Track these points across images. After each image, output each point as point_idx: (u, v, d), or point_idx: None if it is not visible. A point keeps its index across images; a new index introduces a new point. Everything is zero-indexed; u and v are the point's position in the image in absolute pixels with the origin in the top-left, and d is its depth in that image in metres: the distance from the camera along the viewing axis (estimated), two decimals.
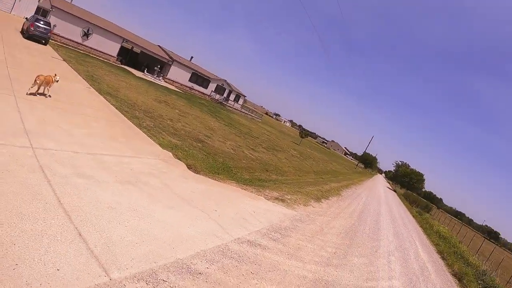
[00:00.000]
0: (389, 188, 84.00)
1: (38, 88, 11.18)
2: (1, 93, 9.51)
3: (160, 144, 12.01)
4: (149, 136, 12.42)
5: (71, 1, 46.38)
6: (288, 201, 12.43)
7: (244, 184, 12.21)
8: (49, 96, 11.58)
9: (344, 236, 11.52)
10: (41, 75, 11.12)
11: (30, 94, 10.68)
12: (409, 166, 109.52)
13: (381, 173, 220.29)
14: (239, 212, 8.43)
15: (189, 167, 11.07)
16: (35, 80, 10.87)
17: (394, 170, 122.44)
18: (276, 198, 11.99)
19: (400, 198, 61.31)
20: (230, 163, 15.30)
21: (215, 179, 11.12)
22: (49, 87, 11.70)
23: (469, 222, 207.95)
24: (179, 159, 11.38)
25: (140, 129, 12.94)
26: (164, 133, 14.30)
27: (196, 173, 10.81)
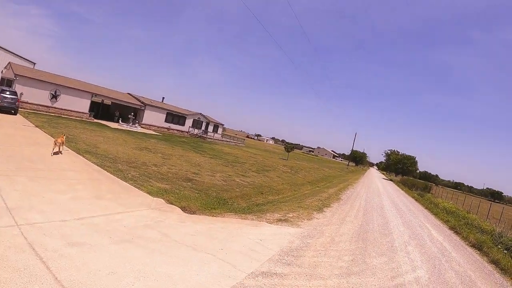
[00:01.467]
0: (384, 178, 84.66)
1: (59, 148, 14.82)
2: None
3: (149, 193, 11.70)
4: (136, 187, 12.10)
5: (34, 67, 46.21)
6: (291, 219, 12.20)
7: (243, 213, 11.98)
8: (61, 153, 14.84)
9: (356, 240, 11.31)
10: (58, 139, 14.93)
11: (54, 154, 14.26)
12: (398, 152, 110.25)
13: (373, 166, 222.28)
14: (245, 244, 8.15)
15: (184, 209, 10.80)
16: (55, 143, 14.60)
17: (385, 160, 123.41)
18: (279, 220, 11.74)
19: (398, 185, 61.86)
20: (224, 195, 15.08)
21: (212, 215, 10.87)
22: (63, 146, 15.45)
23: (470, 190, 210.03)
24: (171, 203, 11.10)
25: (126, 181, 12.61)
26: (151, 180, 14.01)
27: (192, 214, 10.55)
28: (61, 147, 15.06)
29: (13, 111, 25.93)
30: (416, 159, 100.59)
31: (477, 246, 15.32)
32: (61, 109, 36.50)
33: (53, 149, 14.41)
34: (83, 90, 38.93)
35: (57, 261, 5.23)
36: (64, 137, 15.92)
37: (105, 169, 13.76)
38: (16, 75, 32.56)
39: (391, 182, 72.43)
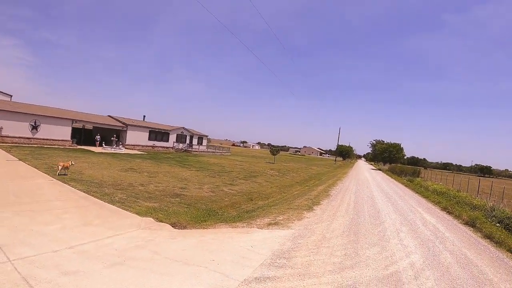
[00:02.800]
0: (373, 169, 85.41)
1: (62, 170, 17.81)
2: None
3: (138, 213, 11.84)
4: (124, 209, 12.22)
5: (10, 99, 45.84)
6: (282, 222, 12.42)
7: (233, 222, 12.16)
8: (66, 175, 17.68)
9: (347, 234, 11.55)
10: (61, 162, 18.40)
11: (59, 174, 17.38)
12: (383, 141, 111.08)
13: (360, 158, 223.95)
14: (237, 252, 8.34)
15: (174, 225, 10.96)
16: (58, 166, 17.90)
17: (371, 150, 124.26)
18: (269, 224, 11.96)
19: (387, 174, 62.51)
20: (213, 206, 15.26)
21: (203, 228, 11.05)
22: (68, 169, 18.46)
23: (459, 168, 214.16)
24: (161, 221, 11.25)
25: (114, 204, 12.72)
26: (139, 200, 14.13)
27: (183, 229, 10.73)
28: (66, 171, 18.19)
29: None
30: (402, 145, 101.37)
31: (470, 223, 15.77)
32: (43, 139, 36.30)
33: (58, 172, 17.56)
34: (62, 118, 38.76)
35: None
36: (72, 162, 19.15)
37: (92, 195, 13.83)
38: None
39: (380, 171, 73.13)
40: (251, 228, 11.34)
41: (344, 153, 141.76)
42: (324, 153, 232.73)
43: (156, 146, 52.69)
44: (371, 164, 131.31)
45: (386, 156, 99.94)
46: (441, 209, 20.35)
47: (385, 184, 36.92)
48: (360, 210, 16.71)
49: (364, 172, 59.98)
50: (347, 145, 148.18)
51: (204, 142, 67.67)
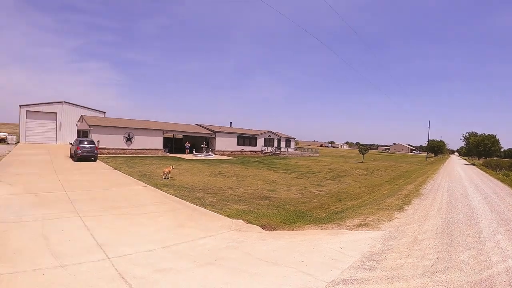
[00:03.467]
0: (466, 164, 79.05)
1: (166, 176, 20.34)
2: (68, 216, 10.22)
3: (228, 216, 12.09)
4: (215, 212, 12.58)
5: (104, 115, 50.18)
6: (372, 223, 11.88)
7: (322, 224, 11.88)
8: (167, 178, 20.21)
9: (440, 235, 10.69)
10: (165, 168, 21.09)
11: (164, 178, 20.03)
12: (477, 134, 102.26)
13: (453, 153, 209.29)
14: (326, 254, 8.09)
15: (264, 227, 10.99)
16: (163, 172, 20.67)
17: (464, 144, 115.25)
18: (359, 225, 11.49)
19: (481, 168, 57.41)
20: (302, 207, 15.10)
21: (293, 230, 10.93)
22: (169, 173, 20.88)
23: None
24: (251, 223, 11.36)
25: (205, 207, 13.17)
26: (229, 203, 14.44)
27: (273, 231, 10.70)
28: (168, 174, 20.70)
29: (93, 158, 28.70)
30: (497, 137, 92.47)
31: None
32: (137, 149, 39.25)
33: (163, 177, 20.27)
34: (154, 129, 41.59)
35: (145, 287, 5.63)
36: (172, 167, 21.86)
37: (184, 199, 14.50)
38: (90, 125, 35.90)
39: (474, 166, 67.45)
40: (340, 229, 10.98)
41: (436, 149, 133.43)
42: (414, 150, 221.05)
43: (245, 151, 53.99)
44: (465, 159, 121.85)
45: (481, 150, 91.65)
46: None
47: (479, 180, 33.83)
48: (454, 209, 15.43)
49: (456, 168, 55.89)
50: (438, 140, 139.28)
51: (292, 144, 67.86)
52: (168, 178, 20.39)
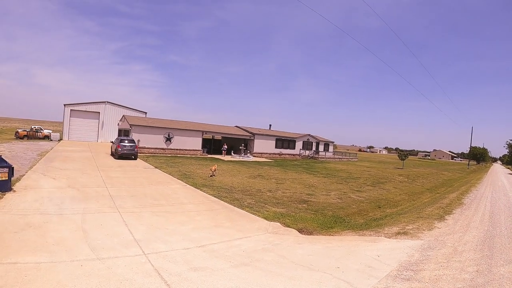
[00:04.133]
0: (510, 173, 75.26)
1: (213, 173, 22.24)
2: (107, 211, 10.50)
3: (266, 218, 12.03)
4: (253, 213, 12.57)
5: (145, 116, 51.41)
6: (411, 231, 11.47)
7: (360, 230, 11.62)
8: (214, 176, 22.08)
9: (481, 248, 10.15)
10: (212, 167, 23.26)
11: (211, 176, 21.91)
12: None
13: (496, 162, 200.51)
14: (363, 262, 7.85)
15: (301, 231, 10.87)
16: (211, 169, 22.84)
17: (508, 152, 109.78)
18: (398, 233, 11.13)
19: None
20: (340, 213, 14.87)
21: (330, 235, 10.75)
22: (215, 171, 22.79)
23: None
24: (288, 226, 11.25)
25: (243, 209, 13.19)
26: (267, 205, 14.38)
27: (309, 235, 10.56)
28: (215, 172, 22.60)
29: (133, 157, 29.53)
30: None
31: None
32: (176, 149, 39.98)
33: (210, 174, 22.29)
34: (193, 130, 42.22)
35: (180, 284, 5.63)
36: (216, 166, 23.70)
37: (222, 200, 14.58)
38: (131, 125, 36.86)
39: None
40: (378, 236, 10.68)
41: (478, 156, 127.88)
42: (456, 157, 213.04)
43: (283, 154, 53.81)
44: (508, 168, 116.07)
45: None
46: None
47: None
48: (496, 221, 14.65)
49: (500, 177, 53.27)
50: (481, 147, 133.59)
51: (330, 148, 67.14)
52: (214, 175, 22.11)
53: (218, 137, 52.91)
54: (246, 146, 48.42)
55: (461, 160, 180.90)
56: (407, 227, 12.11)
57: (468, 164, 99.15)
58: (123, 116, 44.60)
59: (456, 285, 6.91)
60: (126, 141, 29.62)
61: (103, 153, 32.51)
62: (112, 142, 33.76)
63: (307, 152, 58.47)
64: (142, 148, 36.32)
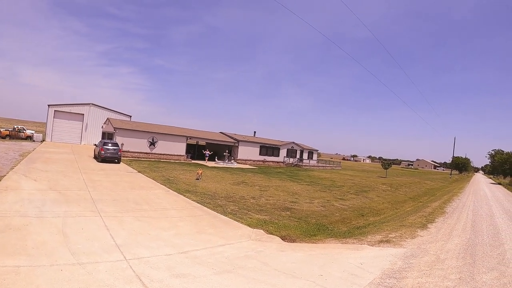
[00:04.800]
0: (492, 183, 76.62)
1: (199, 176, 23.33)
2: (88, 215, 10.32)
3: (249, 225, 12.01)
4: (236, 220, 12.53)
5: (130, 119, 51.01)
6: (394, 239, 11.59)
7: (343, 238, 11.74)
8: (199, 179, 23.09)
9: (463, 255, 10.31)
10: (198, 170, 24.62)
11: (196, 179, 22.90)
12: (503, 151, 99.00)
13: (478, 171, 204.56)
14: (346, 269, 7.88)
15: (284, 238, 10.87)
16: (197, 173, 23.96)
17: (490, 162, 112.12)
18: (381, 241, 11.22)
19: (508, 188, 55.55)
20: (323, 221, 14.94)
21: (313, 242, 10.81)
22: (201, 175, 23.89)
23: None
24: (271, 233, 11.24)
25: (226, 215, 13.14)
26: (250, 212, 14.35)
27: (292, 242, 10.59)
28: (200, 176, 23.62)
29: (116, 160, 29.20)
30: None
31: None
32: (160, 154, 39.68)
33: (196, 178, 23.30)
34: (177, 135, 42.06)
35: None
36: (201, 170, 25.13)
37: (205, 206, 14.50)
38: (115, 128, 36.59)
39: (500, 186, 65.37)
40: (361, 244, 10.80)
41: (460, 166, 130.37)
42: (438, 166, 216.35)
43: (267, 161, 53.84)
44: (490, 178, 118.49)
45: (507, 168, 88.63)
46: None
47: (506, 201, 32.71)
48: (478, 229, 14.94)
49: (482, 187, 54.43)
50: (463, 157, 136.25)
51: (314, 156, 67.49)
52: (200, 179, 23.09)
53: (203, 142, 52.67)
54: (230, 152, 48.30)
55: (443, 170, 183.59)
56: (390, 235, 12.23)
57: (451, 174, 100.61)
58: (108, 119, 44.12)
59: None
60: (110, 145, 29.18)
61: (86, 155, 32.04)
62: (95, 145, 33.30)
63: (291, 160, 58.61)
64: (126, 152, 35.92)
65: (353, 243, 11.00)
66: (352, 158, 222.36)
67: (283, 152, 57.61)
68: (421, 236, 12.66)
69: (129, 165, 28.31)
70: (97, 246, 7.51)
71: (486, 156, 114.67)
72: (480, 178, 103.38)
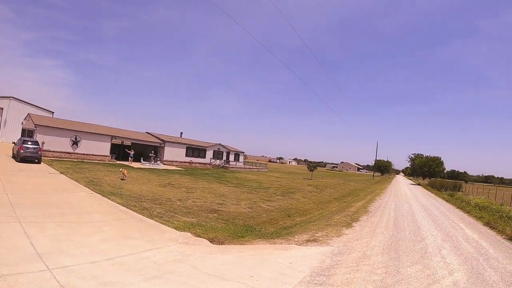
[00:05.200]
0: (412, 184, 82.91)
1: (124, 177, 23.44)
2: (6, 221, 9.55)
3: (176, 228, 11.88)
4: (163, 223, 12.32)
5: (52, 116, 48.07)
6: (321, 238, 12.11)
7: (271, 238, 12.02)
8: (124, 179, 23.24)
9: (388, 251, 11.08)
10: (123, 170, 24.48)
11: (121, 179, 23.17)
12: (422, 155, 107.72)
13: (399, 173, 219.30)
14: (276, 269, 8.12)
15: (212, 240, 10.91)
16: (123, 173, 23.94)
17: (410, 165, 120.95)
18: (308, 240, 11.68)
19: (427, 188, 60.69)
20: (250, 222, 15.21)
21: (241, 244, 10.96)
22: (126, 175, 23.80)
23: (501, 181, 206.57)
24: (199, 236, 11.23)
25: (152, 219, 12.86)
26: (177, 215, 14.22)
27: (221, 244, 10.65)
28: (125, 176, 23.58)
29: (36, 160, 27.14)
30: (442, 159, 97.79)
31: None
32: (83, 154, 37.77)
33: (121, 177, 23.53)
34: (102, 134, 40.27)
35: None
36: (126, 170, 24.69)
37: (131, 209, 14.08)
38: (36, 125, 34.10)
39: (419, 186, 71.03)
40: (289, 244, 11.13)
41: (382, 168, 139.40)
42: (361, 169, 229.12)
43: (194, 162, 53.43)
44: (410, 179, 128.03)
45: (426, 171, 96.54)
46: (484, 224, 19.27)
47: (425, 200, 35.76)
48: (400, 226, 16.12)
49: (403, 187, 58.64)
50: (385, 160, 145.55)
51: (241, 158, 68.14)
52: (125, 179, 23.11)
53: (128, 142, 51.08)
54: (156, 153, 47.24)
55: (366, 172, 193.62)
56: (316, 235, 12.72)
57: (373, 176, 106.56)
58: (28, 114, 40.93)
59: (367, 287, 7.42)
60: (30, 143, 27.08)
61: (3, 154, 29.60)
62: (14, 143, 30.95)
63: (218, 162, 58.67)
64: (47, 151, 33.58)
65: (281, 243, 11.30)
66: (278, 160, 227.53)
67: (209, 154, 57.53)
68: (346, 234, 13.32)
69: (50, 165, 26.48)
70: (18, 255, 6.97)
71: (406, 159, 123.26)
72: (401, 180, 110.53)
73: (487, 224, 19.16)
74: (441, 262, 10.14)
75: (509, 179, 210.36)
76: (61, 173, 22.67)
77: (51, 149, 34.63)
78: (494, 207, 26.00)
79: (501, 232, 16.44)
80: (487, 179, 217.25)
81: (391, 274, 8.55)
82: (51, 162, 29.05)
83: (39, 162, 27.22)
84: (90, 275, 6.49)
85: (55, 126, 36.21)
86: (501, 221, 19.17)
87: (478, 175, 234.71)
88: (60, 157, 35.14)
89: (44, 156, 31.29)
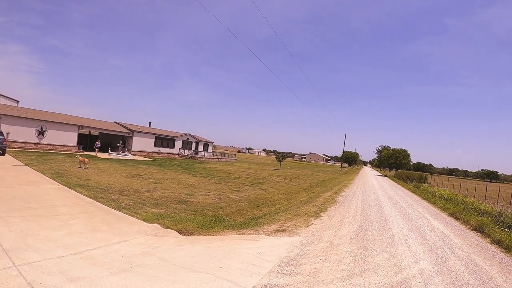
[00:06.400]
0: (379, 175, 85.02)
1: (80, 165, 23.86)
2: None
3: (144, 220, 11.76)
4: (131, 215, 12.16)
5: (17, 104, 46.20)
6: (289, 228, 12.28)
7: (240, 229, 12.08)
8: (87, 168, 23.54)
9: (355, 240, 11.37)
10: (80, 157, 25.01)
11: (80, 167, 23.30)
12: (389, 147, 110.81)
13: (366, 165, 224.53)
14: (245, 260, 8.19)
15: (181, 232, 10.88)
16: (83, 161, 24.01)
17: (377, 156, 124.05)
18: (277, 231, 11.82)
19: (393, 180, 62.31)
20: (219, 212, 15.23)
21: (210, 235, 10.98)
22: (86, 164, 23.99)
23: (466, 174, 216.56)
24: (168, 227, 11.17)
25: (120, 210, 12.66)
26: (145, 206, 14.05)
27: (190, 236, 10.65)
28: (86, 165, 23.88)
29: (1, 152, 25.91)
30: (408, 151, 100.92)
31: (478, 229, 15.46)
32: (49, 144, 36.48)
33: (79, 165, 23.94)
34: (69, 124, 38.93)
35: None
36: (86, 159, 24.79)
37: (98, 201, 13.79)
38: (0, 114, 32.53)
39: (386, 177, 72.80)
40: (258, 235, 11.21)
41: (350, 160, 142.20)
42: (329, 160, 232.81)
43: (162, 153, 52.76)
44: (377, 171, 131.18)
45: (392, 162, 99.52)
46: (449, 215, 20.10)
47: (392, 191, 36.70)
48: (368, 216, 16.52)
49: (370, 179, 59.87)
50: (353, 152, 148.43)
51: (210, 148, 67.82)
52: (83, 167, 23.42)
53: (96, 132, 49.82)
54: (124, 143, 46.32)
55: (334, 163, 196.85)
56: (285, 225, 12.88)
57: (341, 167, 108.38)
58: None
59: (336, 276, 7.60)
60: None
61: None
62: None
63: (187, 152, 58.16)
64: (11, 142, 32.14)
65: (250, 233, 11.38)
66: (247, 151, 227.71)
67: (178, 144, 56.91)
68: (315, 224, 13.54)
69: (15, 157, 25.45)
70: None
71: (373, 151, 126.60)
72: (368, 171, 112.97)
73: (452, 214, 19.97)
74: (407, 251, 10.51)
75: (473, 172, 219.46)
76: (26, 164, 21.83)
77: (16, 140, 33.20)
78: (458, 198, 27.22)
79: (465, 222, 17.18)
80: (452, 172, 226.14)
81: (359, 263, 8.79)
82: (16, 154, 27.95)
83: (3, 154, 26.05)
84: (58, 270, 6.36)
85: (20, 115, 34.60)
86: (466, 212, 20.07)
87: (443, 168, 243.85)
88: (25, 148, 33.84)
89: (9, 147, 30.04)
